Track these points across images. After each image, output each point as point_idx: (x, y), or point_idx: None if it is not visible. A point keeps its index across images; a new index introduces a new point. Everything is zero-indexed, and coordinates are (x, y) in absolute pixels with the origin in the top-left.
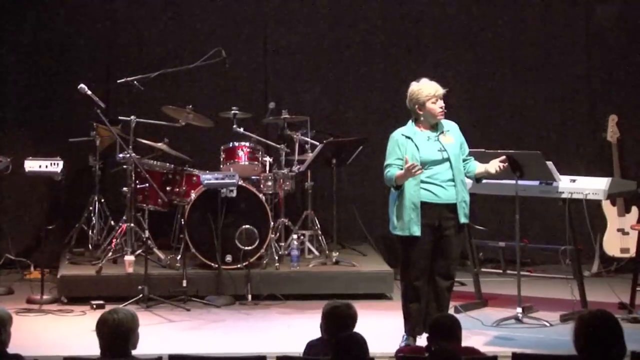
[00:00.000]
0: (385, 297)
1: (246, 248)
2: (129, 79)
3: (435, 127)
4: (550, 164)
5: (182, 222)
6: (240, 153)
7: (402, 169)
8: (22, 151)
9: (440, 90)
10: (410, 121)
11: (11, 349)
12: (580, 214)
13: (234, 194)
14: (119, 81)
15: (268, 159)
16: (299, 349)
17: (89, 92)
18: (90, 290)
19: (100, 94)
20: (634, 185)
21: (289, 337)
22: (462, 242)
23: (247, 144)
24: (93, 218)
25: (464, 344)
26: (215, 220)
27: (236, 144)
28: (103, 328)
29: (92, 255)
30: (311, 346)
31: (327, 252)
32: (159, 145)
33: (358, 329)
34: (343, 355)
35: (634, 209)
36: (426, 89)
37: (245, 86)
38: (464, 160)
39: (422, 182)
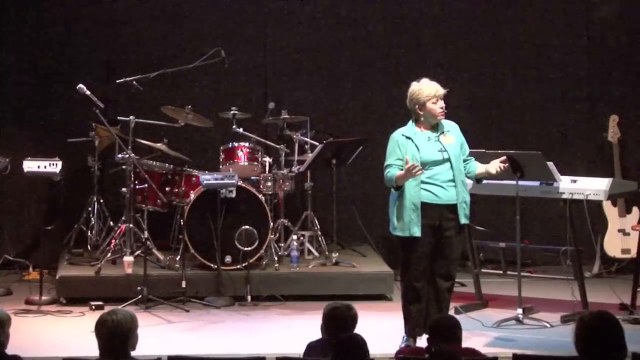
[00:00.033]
0: (385, 298)
1: (246, 249)
2: (128, 79)
3: (435, 127)
4: (550, 164)
5: (182, 223)
6: (240, 153)
7: (402, 170)
8: (21, 151)
9: (440, 90)
10: (410, 121)
11: (10, 350)
12: (581, 214)
13: (234, 195)
14: (118, 81)
15: (268, 160)
16: (298, 350)
17: (88, 92)
18: (89, 291)
19: (99, 94)
20: (635, 186)
21: (289, 338)
22: (462, 242)
23: (247, 144)
24: (92, 219)
25: (464, 345)
26: (214, 221)
27: (235, 144)
28: (102, 329)
29: (91, 256)
30: (311, 347)
31: (326, 252)
32: (158, 145)
33: (358, 330)
34: (343, 356)
35: (635, 209)
36: (427, 89)
37: (245, 86)
38: (464, 161)
39: (423, 182)
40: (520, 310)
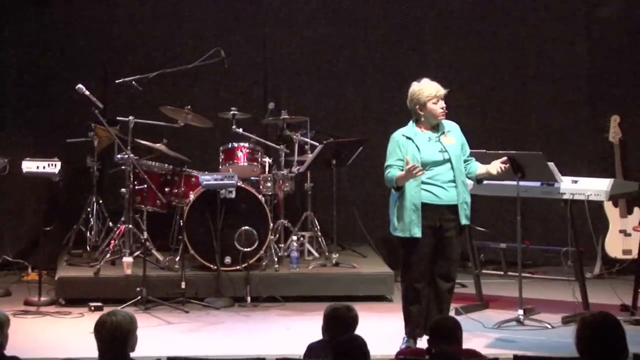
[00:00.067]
0: (385, 299)
1: (245, 249)
2: (127, 79)
3: (436, 127)
4: (551, 164)
5: (181, 224)
6: (240, 154)
7: (402, 170)
8: (20, 152)
9: (441, 90)
10: (411, 122)
11: (9, 351)
12: (582, 215)
13: (233, 195)
14: (117, 81)
15: (267, 160)
16: (298, 351)
17: (87, 93)
18: (88, 292)
19: (98, 94)
20: (636, 187)
21: (289, 339)
22: (463, 243)
23: (247, 144)
24: (91, 219)
25: (465, 346)
26: (214, 221)
27: (235, 144)
28: (101, 330)
29: (90, 256)
30: (312, 348)
31: (327, 253)
32: (158, 146)
33: (358, 331)
34: (343, 357)
35: (636, 210)
36: (427, 89)
37: (245, 86)
38: (465, 161)
39: (423, 183)
40: (521, 311)
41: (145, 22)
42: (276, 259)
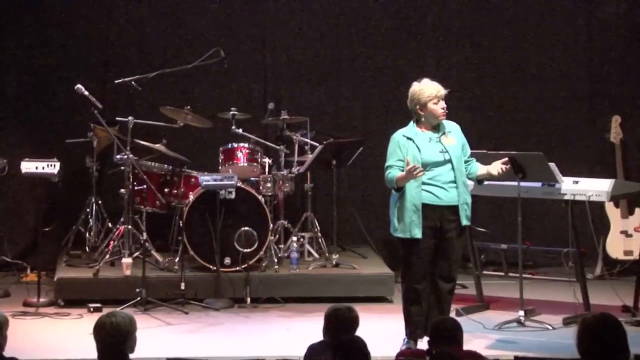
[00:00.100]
0: (385, 300)
1: (245, 250)
2: (126, 79)
3: (436, 128)
4: (552, 165)
5: (181, 224)
6: (239, 154)
7: (403, 171)
8: (19, 152)
9: (442, 90)
10: (411, 122)
11: (7, 352)
12: (583, 215)
13: (233, 196)
14: (116, 81)
15: (267, 160)
16: (298, 352)
17: (86, 93)
18: (88, 293)
19: (97, 94)
20: (638, 187)
21: (288, 341)
22: (463, 244)
23: (246, 145)
24: (90, 220)
25: (466, 347)
26: (213, 222)
27: (235, 145)
28: (101, 331)
29: (89, 257)
30: (312, 349)
31: (327, 254)
32: (157, 146)
33: (358, 332)
34: (343, 358)
35: (638, 210)
36: (428, 90)
37: (244, 86)
38: (465, 162)
39: (424, 183)
40: (521, 313)
41: (145, 22)
42: (276, 260)
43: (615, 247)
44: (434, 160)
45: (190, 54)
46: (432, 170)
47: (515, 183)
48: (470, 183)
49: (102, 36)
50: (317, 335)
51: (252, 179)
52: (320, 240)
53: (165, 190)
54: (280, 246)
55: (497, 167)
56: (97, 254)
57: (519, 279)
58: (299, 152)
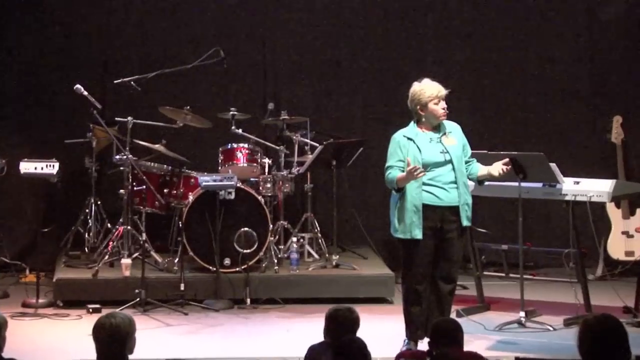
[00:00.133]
0: (386, 301)
1: (245, 251)
2: (126, 79)
3: (437, 128)
4: (553, 165)
5: (180, 225)
6: (239, 155)
7: (403, 171)
8: (18, 152)
9: (442, 91)
10: (412, 122)
11: (6, 353)
12: (584, 216)
13: (233, 196)
14: (115, 81)
15: (267, 161)
16: (298, 353)
17: (85, 93)
18: (87, 294)
19: (96, 94)
20: (639, 187)
21: (288, 342)
22: (464, 245)
23: (246, 145)
24: (89, 221)
25: (466, 348)
26: (213, 222)
27: (234, 145)
28: (100, 332)
29: (88, 258)
30: (313, 350)
31: (327, 255)
32: (156, 146)
33: (358, 333)
34: (343, 359)
35: (639, 211)
36: (428, 90)
37: (244, 87)
38: (466, 162)
39: (424, 184)
40: (522, 313)
41: (144, 22)
42: (276, 261)
43: (617, 247)
44: (434, 160)
45: (190, 54)
46: (432, 170)
47: (516, 184)
48: (471, 183)
49: (101, 36)
50: (317, 336)
51: (251, 179)
52: (320, 240)
53: (165, 190)
54: (280, 247)
55: (497, 168)
56: (96, 254)
57: (520, 280)
58: (299, 153)
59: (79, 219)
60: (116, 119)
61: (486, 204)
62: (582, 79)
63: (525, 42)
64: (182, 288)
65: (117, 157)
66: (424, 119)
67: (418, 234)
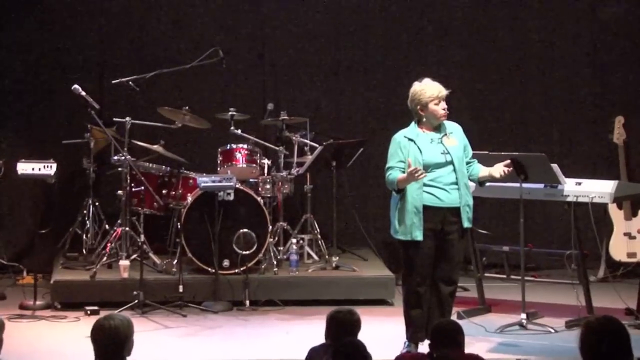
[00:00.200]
0: (386, 302)
1: (244, 252)
2: (124, 79)
3: (438, 128)
4: (555, 166)
5: (179, 226)
6: (238, 155)
7: (404, 172)
8: (15, 153)
9: (443, 91)
10: (412, 122)
11: (4, 355)
12: (586, 217)
13: (232, 197)
14: (113, 82)
15: (266, 162)
16: (297, 355)
17: (83, 93)
18: (85, 296)
19: (94, 95)
20: None
21: (288, 344)
22: (465, 246)
23: (245, 146)
24: (87, 222)
25: (467, 350)
26: (212, 224)
27: (234, 146)
28: (99, 334)
29: (86, 260)
30: (313, 352)
31: (326, 256)
32: (155, 147)
33: (358, 335)
34: None
35: None
36: (429, 90)
37: (243, 87)
38: (467, 163)
39: (425, 185)
40: (524, 315)
41: (143, 21)
42: (275, 262)
43: (619, 249)
44: (435, 161)
45: (189, 53)
46: (433, 171)
47: (517, 184)
48: (472, 184)
49: (99, 36)
50: (317, 338)
51: (251, 180)
52: (320, 242)
53: (163, 191)
54: (279, 248)
55: (499, 169)
56: (94, 256)
57: (521, 282)
58: (299, 153)
59: (77, 220)
60: (114, 119)
61: (487, 205)
62: (584, 79)
63: (526, 42)
64: (180, 290)
65: (115, 157)
66: (424, 119)
67: (418, 236)
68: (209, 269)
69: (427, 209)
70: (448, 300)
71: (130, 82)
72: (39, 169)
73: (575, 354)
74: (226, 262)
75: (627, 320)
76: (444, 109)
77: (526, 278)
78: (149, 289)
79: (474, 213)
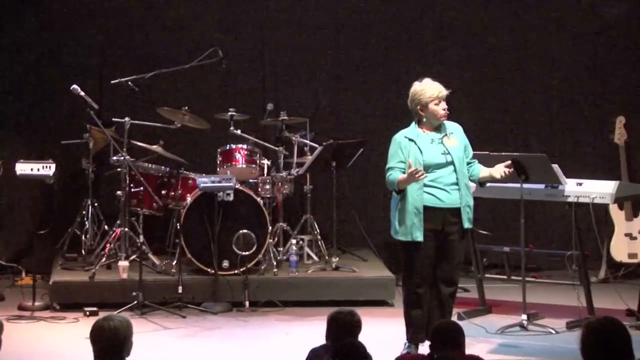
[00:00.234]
0: (386, 303)
1: (244, 253)
2: (123, 79)
3: (438, 128)
4: (556, 166)
5: (178, 227)
6: (238, 156)
7: (404, 173)
8: (14, 153)
9: (443, 91)
10: (413, 123)
11: (2, 356)
12: (587, 218)
13: (231, 198)
14: (113, 82)
15: (266, 162)
16: (297, 356)
17: (82, 93)
18: (83, 297)
19: (93, 95)
20: None
21: (288, 345)
22: (465, 247)
23: (245, 146)
24: (86, 222)
25: (468, 351)
26: (211, 224)
27: (233, 146)
28: (99, 335)
29: (85, 260)
30: (314, 352)
31: (326, 257)
32: (154, 147)
33: (359, 336)
34: None
35: None
36: (429, 90)
37: (243, 87)
38: (467, 164)
39: (425, 185)
40: (524, 316)
41: (142, 21)
42: (275, 263)
43: (620, 249)
44: (436, 162)
45: (188, 53)
46: (434, 172)
47: (518, 185)
48: (472, 185)
49: (98, 36)
50: (317, 339)
51: (250, 180)
52: (319, 243)
53: (163, 192)
54: (279, 249)
55: (499, 170)
56: (93, 256)
57: (522, 282)
58: (298, 154)
59: (76, 221)
60: (113, 119)
61: (488, 206)
62: (585, 79)
63: (527, 41)
64: (180, 291)
65: (114, 158)
66: (424, 120)
67: (419, 236)
68: (209, 270)
69: (427, 209)
70: (448, 301)
71: (130, 82)
72: (38, 170)
73: (576, 355)
74: (226, 263)
75: (628, 321)
76: (444, 109)
77: (527, 279)
78: (148, 289)
79: (474, 213)
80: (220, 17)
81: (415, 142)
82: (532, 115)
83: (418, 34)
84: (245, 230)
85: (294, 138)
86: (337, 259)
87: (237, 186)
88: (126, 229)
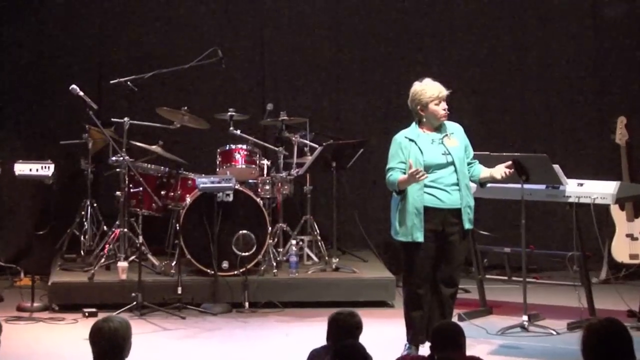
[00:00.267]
0: (386, 304)
1: (243, 254)
2: (122, 79)
3: (439, 129)
4: (557, 167)
5: (177, 228)
6: (237, 156)
7: (405, 173)
8: (12, 154)
9: (444, 91)
10: (413, 123)
11: (1, 357)
12: (588, 218)
13: (231, 199)
14: (112, 82)
15: (266, 162)
16: (297, 358)
17: (81, 93)
18: (83, 298)
19: (92, 95)
20: None
21: (288, 346)
22: (466, 248)
23: (244, 146)
24: (85, 223)
25: (468, 353)
26: (211, 225)
27: (233, 146)
28: (98, 336)
29: (84, 261)
30: (314, 353)
31: (326, 258)
32: (153, 147)
33: (359, 337)
34: None
35: None
36: (430, 90)
37: (242, 87)
38: (468, 164)
39: (426, 186)
40: (525, 317)
41: (141, 21)
42: (275, 264)
43: (621, 250)
44: (436, 162)
45: (188, 53)
46: (434, 172)
47: (519, 185)
48: (473, 185)
49: (97, 36)
50: (317, 340)
51: (250, 181)
52: (319, 243)
53: (162, 192)
54: (279, 250)
55: (500, 171)
56: (92, 257)
57: (523, 283)
58: (298, 154)
59: (75, 222)
60: (112, 119)
61: (488, 206)
62: (586, 79)
63: (528, 41)
64: (179, 291)
65: (114, 158)
66: (425, 120)
67: (419, 237)
68: (208, 271)
69: (427, 210)
70: (449, 302)
71: (129, 83)
72: (37, 170)
73: (577, 356)
74: (225, 264)
75: (629, 322)
76: (444, 109)
77: (528, 280)
78: (147, 290)
79: (475, 214)
80: (220, 17)
81: (415, 143)
82: (532, 115)
83: (418, 34)
84: (245, 231)
85: (293, 138)
86: (337, 259)
87: (236, 187)
88: (125, 230)
